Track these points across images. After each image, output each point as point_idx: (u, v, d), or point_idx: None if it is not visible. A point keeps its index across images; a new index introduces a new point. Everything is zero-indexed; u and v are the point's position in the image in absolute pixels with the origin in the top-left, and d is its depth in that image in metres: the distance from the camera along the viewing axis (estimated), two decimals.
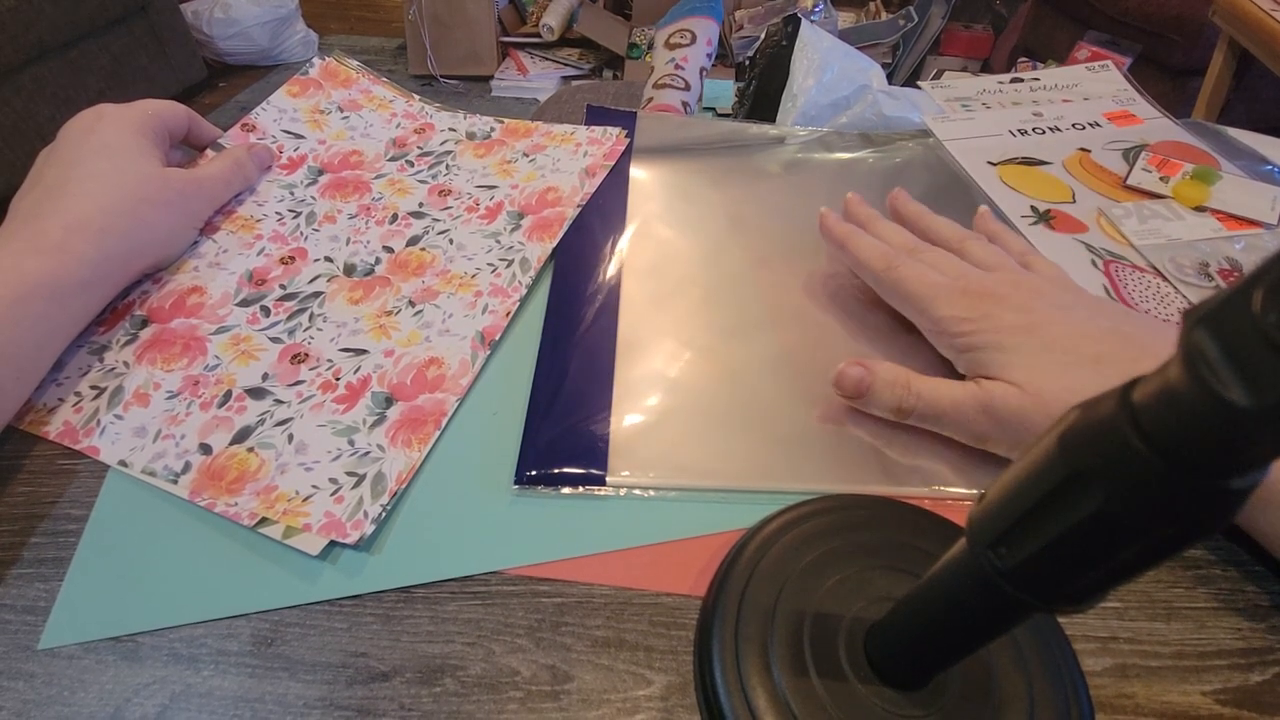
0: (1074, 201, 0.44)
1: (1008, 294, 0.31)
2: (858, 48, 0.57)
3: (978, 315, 0.31)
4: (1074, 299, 0.31)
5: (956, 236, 0.36)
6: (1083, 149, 0.48)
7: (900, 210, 0.39)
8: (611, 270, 0.39)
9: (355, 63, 0.50)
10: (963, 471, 0.30)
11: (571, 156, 0.45)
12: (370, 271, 0.38)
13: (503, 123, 0.48)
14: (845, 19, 2.07)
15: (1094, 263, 0.40)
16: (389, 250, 0.39)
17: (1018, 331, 0.30)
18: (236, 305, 0.36)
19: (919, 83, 0.56)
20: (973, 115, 0.51)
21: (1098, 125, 0.50)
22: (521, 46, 2.30)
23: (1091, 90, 0.54)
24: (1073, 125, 0.50)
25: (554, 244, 0.39)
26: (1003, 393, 0.29)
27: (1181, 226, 0.42)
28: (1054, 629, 0.25)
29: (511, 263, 0.39)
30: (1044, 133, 0.49)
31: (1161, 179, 0.45)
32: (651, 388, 0.33)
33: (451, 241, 0.40)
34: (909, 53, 2.02)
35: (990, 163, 0.47)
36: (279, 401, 0.32)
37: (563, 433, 0.31)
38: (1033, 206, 0.44)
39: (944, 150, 0.48)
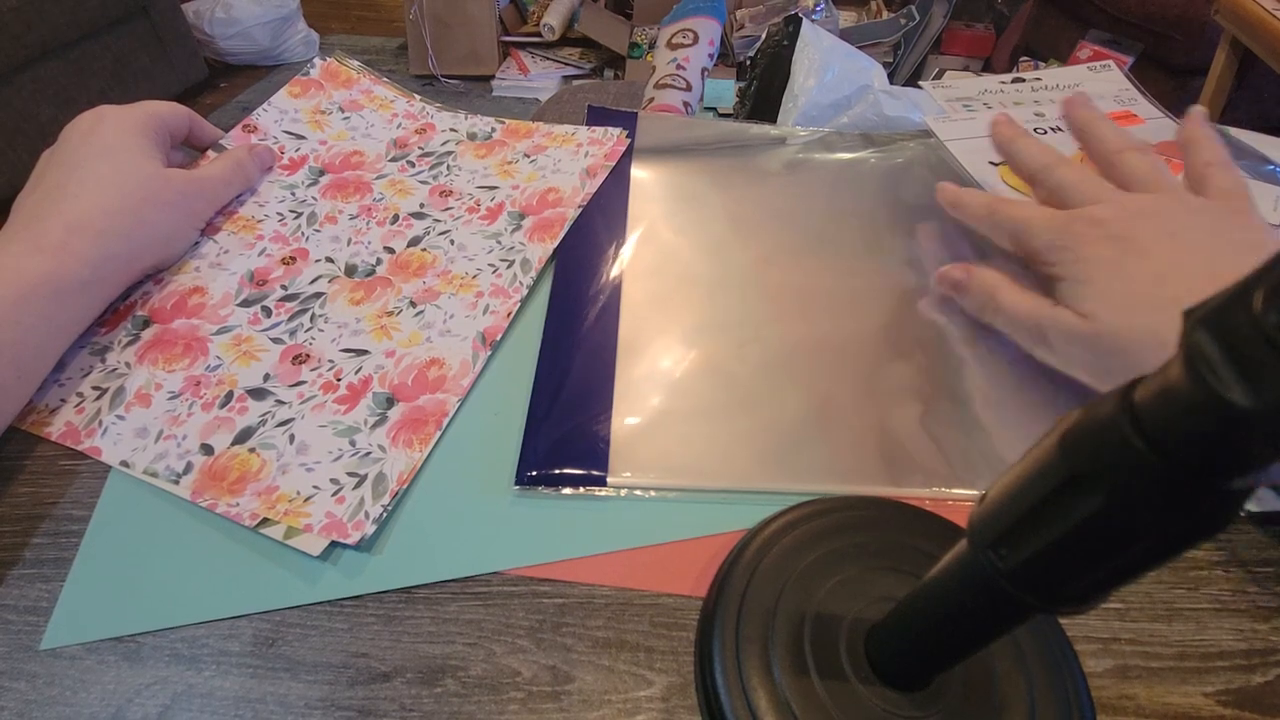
0: None
1: (1112, 217, 0.30)
2: (859, 47, 0.57)
3: (1069, 244, 0.31)
4: (1196, 222, 0.30)
5: (1116, 147, 0.34)
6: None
7: (1073, 115, 0.38)
8: (612, 271, 0.39)
9: (356, 63, 0.50)
10: (964, 472, 0.30)
11: (572, 157, 0.45)
12: (371, 272, 0.38)
13: (503, 123, 0.48)
14: (846, 18, 2.07)
15: None
16: (390, 251, 0.39)
17: (1102, 265, 0.30)
18: (238, 306, 0.36)
19: (920, 83, 0.56)
20: (974, 115, 0.51)
21: None
22: (522, 46, 2.30)
23: (1093, 90, 0.54)
24: None
25: (555, 245, 0.39)
26: (1066, 321, 0.30)
27: None
28: (1055, 630, 0.25)
29: (512, 263, 0.39)
30: (1046, 133, 0.49)
31: None
32: (652, 388, 0.33)
33: (452, 242, 0.40)
34: (910, 52, 2.02)
35: (992, 163, 0.47)
36: (280, 402, 0.32)
37: (564, 433, 0.31)
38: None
39: (945, 151, 0.48)
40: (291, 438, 0.31)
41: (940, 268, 0.35)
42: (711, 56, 0.72)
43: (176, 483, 0.30)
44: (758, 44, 0.61)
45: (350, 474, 0.30)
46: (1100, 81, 0.55)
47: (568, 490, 0.30)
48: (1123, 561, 0.14)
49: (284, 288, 0.37)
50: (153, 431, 0.31)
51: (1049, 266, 0.31)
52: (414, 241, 0.40)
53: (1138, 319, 0.28)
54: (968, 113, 0.51)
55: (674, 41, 0.72)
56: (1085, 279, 0.30)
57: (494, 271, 0.38)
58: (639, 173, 0.45)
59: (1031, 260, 0.32)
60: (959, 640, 0.20)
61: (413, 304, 0.37)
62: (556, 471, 0.30)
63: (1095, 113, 0.37)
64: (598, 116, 0.49)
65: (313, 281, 0.38)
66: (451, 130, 0.47)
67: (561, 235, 0.40)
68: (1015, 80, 0.55)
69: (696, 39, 0.71)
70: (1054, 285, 0.31)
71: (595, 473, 0.30)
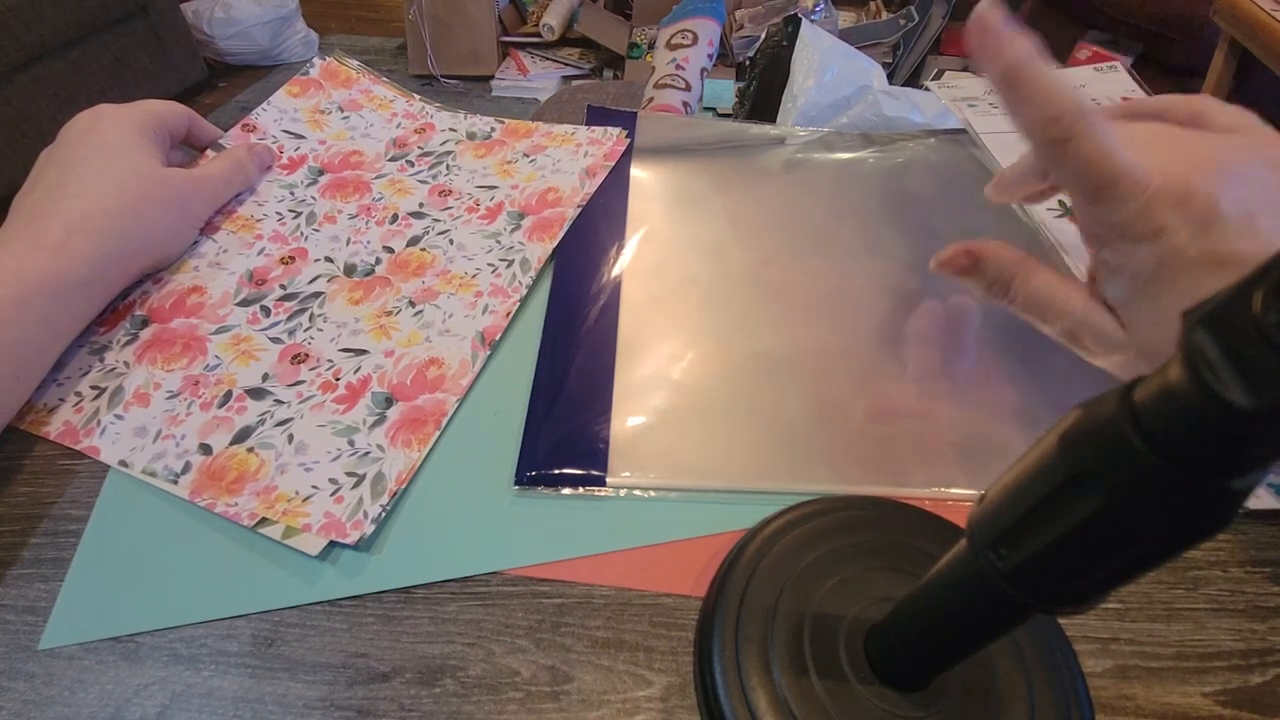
0: None
1: (1201, 186, 0.23)
2: (858, 47, 0.57)
3: (1149, 230, 0.23)
4: None
5: (1184, 103, 0.28)
6: None
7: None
8: (612, 271, 0.39)
9: (356, 63, 0.50)
10: (963, 472, 0.30)
11: (572, 157, 0.45)
12: (370, 272, 0.38)
13: (503, 123, 0.48)
14: (845, 18, 2.07)
15: None
16: (389, 250, 0.39)
17: (1176, 268, 0.23)
18: (237, 305, 0.36)
19: (925, 83, 0.56)
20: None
21: None
22: (522, 46, 2.29)
23: (1099, 91, 0.54)
24: None
25: (554, 244, 0.39)
26: (1105, 328, 0.25)
27: None
28: (1054, 630, 0.25)
29: (512, 263, 0.39)
30: None
31: None
32: (652, 388, 0.33)
33: (452, 242, 0.40)
34: (909, 52, 2.02)
35: None
36: (279, 402, 0.32)
37: (563, 433, 0.31)
38: (1060, 200, 0.43)
39: (975, 143, 0.47)
40: (290, 437, 0.31)
41: (942, 254, 0.29)
42: (711, 57, 0.72)
43: (175, 482, 0.29)
44: (757, 44, 0.61)
45: (349, 474, 0.30)
46: (1106, 83, 0.55)
47: (567, 490, 0.30)
48: (1122, 561, 0.14)
49: (283, 287, 0.37)
50: (151, 431, 0.31)
51: (1115, 253, 0.25)
52: (413, 241, 0.40)
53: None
54: (993, 109, 0.51)
55: (673, 42, 0.72)
56: (1149, 289, 0.24)
57: (493, 271, 0.38)
58: (638, 173, 0.45)
59: (1098, 230, 0.25)
60: (958, 640, 0.20)
61: (412, 304, 0.37)
62: (556, 471, 0.30)
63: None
64: (597, 116, 0.49)
65: (312, 281, 0.38)
66: (451, 130, 0.47)
67: (561, 235, 0.40)
68: None
69: (696, 39, 0.71)
70: (1107, 277, 0.25)
71: (595, 473, 0.30)
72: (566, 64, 2.26)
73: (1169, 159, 0.24)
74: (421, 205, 0.42)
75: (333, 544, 0.28)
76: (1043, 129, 0.25)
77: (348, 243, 0.40)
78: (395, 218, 0.41)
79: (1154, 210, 0.24)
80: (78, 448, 0.31)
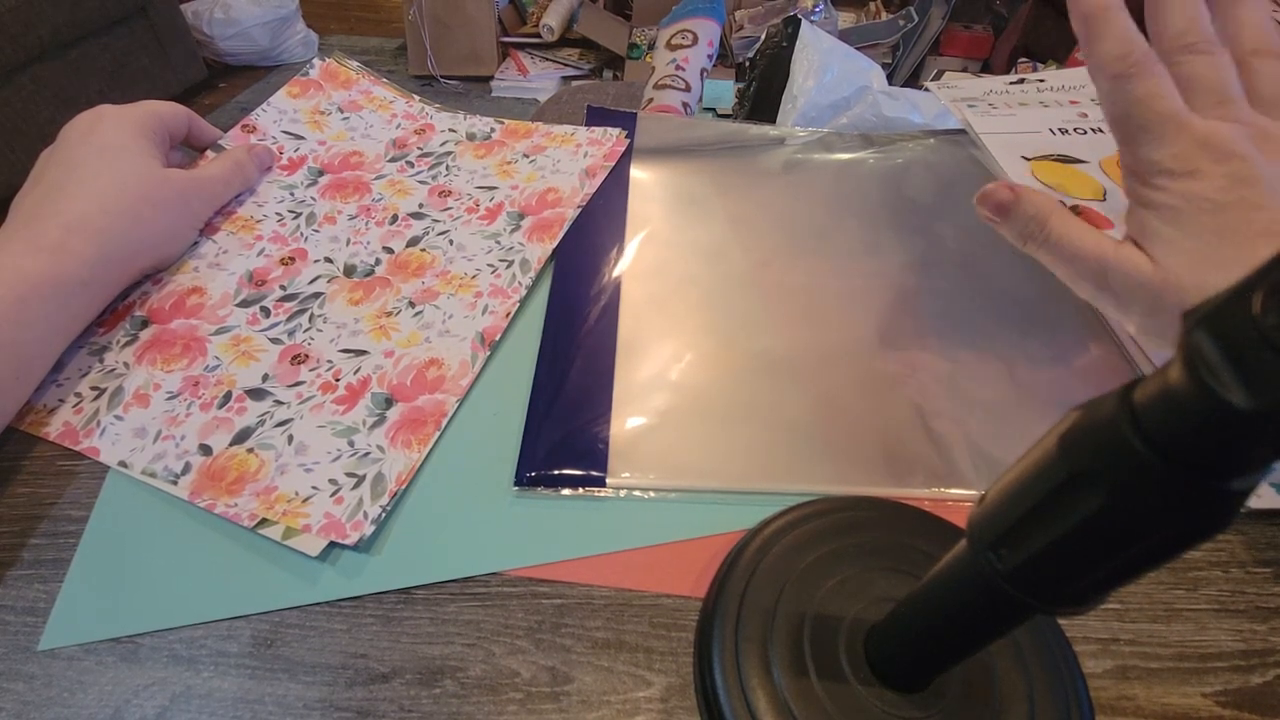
0: (1104, 200, 0.44)
1: (1247, 153, 0.26)
2: (857, 48, 0.57)
3: (1188, 169, 0.26)
4: None
5: (1253, 45, 0.28)
6: None
7: None
8: (612, 271, 0.39)
9: (355, 64, 0.50)
10: (964, 472, 0.30)
11: (571, 157, 0.45)
12: (370, 272, 0.38)
13: (503, 123, 0.48)
14: (845, 19, 2.07)
15: None
16: (389, 251, 0.39)
17: (1205, 208, 0.26)
18: (236, 306, 0.36)
19: (926, 84, 0.56)
20: (1014, 112, 0.51)
21: None
22: (522, 47, 2.30)
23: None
24: None
25: (554, 245, 0.39)
26: (1133, 263, 0.27)
27: None
28: (1054, 630, 0.25)
29: (511, 263, 0.39)
30: (1086, 133, 0.49)
31: None
32: (652, 389, 0.33)
33: (451, 242, 0.40)
34: (909, 53, 2.02)
35: (1025, 157, 0.46)
36: (279, 402, 0.32)
37: (563, 434, 0.31)
38: (1061, 201, 0.43)
39: (975, 144, 0.47)
40: (290, 438, 0.31)
41: (985, 188, 0.30)
42: (710, 57, 0.72)
43: (175, 483, 0.29)
44: (757, 45, 0.61)
45: (349, 474, 0.30)
46: None
47: (567, 491, 0.30)
48: (1122, 562, 0.14)
49: (283, 288, 0.37)
50: (151, 432, 0.31)
51: (1149, 188, 0.27)
52: (413, 242, 0.40)
53: (1212, 278, 0.25)
54: (1007, 110, 0.51)
55: (673, 42, 0.72)
56: (1178, 221, 0.26)
57: (493, 272, 0.38)
58: (638, 173, 0.45)
59: (1137, 167, 0.28)
60: (958, 641, 0.20)
61: (411, 304, 0.37)
62: (556, 472, 0.30)
63: None
64: (597, 117, 0.49)
65: (311, 282, 0.38)
66: (450, 130, 0.47)
67: (561, 235, 0.40)
68: (1019, 81, 0.55)
69: (695, 40, 0.71)
70: (1139, 212, 0.27)
71: (594, 473, 0.30)
72: (566, 64, 2.26)
73: (1222, 126, 0.26)
74: (421, 206, 0.42)
75: (332, 545, 0.28)
76: (1112, 63, 0.28)
77: (347, 243, 0.40)
78: (395, 218, 0.41)
79: (1191, 156, 0.26)
80: (77, 448, 0.31)
